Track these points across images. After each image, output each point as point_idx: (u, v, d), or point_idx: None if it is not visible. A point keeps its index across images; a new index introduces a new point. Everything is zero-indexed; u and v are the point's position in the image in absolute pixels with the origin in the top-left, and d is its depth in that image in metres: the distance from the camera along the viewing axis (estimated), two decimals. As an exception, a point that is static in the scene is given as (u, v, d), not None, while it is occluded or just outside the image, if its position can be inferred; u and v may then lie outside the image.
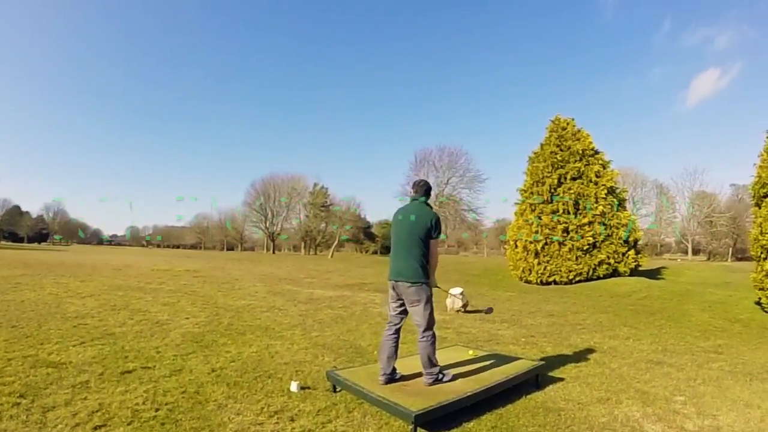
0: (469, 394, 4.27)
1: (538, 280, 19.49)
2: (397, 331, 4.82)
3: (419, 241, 4.64)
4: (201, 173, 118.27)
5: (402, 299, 4.73)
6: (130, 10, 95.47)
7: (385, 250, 74.76)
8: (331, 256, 53.64)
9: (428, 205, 4.95)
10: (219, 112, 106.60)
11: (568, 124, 21.04)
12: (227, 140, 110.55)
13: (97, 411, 3.87)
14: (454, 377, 4.74)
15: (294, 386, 4.66)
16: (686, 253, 63.23)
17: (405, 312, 4.82)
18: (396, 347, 4.79)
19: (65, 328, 7.01)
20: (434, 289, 4.84)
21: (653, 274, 22.20)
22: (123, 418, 3.77)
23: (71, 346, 5.97)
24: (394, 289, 4.77)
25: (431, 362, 4.58)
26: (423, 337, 4.59)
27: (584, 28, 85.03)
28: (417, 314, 4.61)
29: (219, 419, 3.85)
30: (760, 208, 11.65)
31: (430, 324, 4.60)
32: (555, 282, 19.15)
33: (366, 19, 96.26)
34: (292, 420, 3.90)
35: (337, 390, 4.71)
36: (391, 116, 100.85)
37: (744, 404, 4.81)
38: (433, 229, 4.69)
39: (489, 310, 6.13)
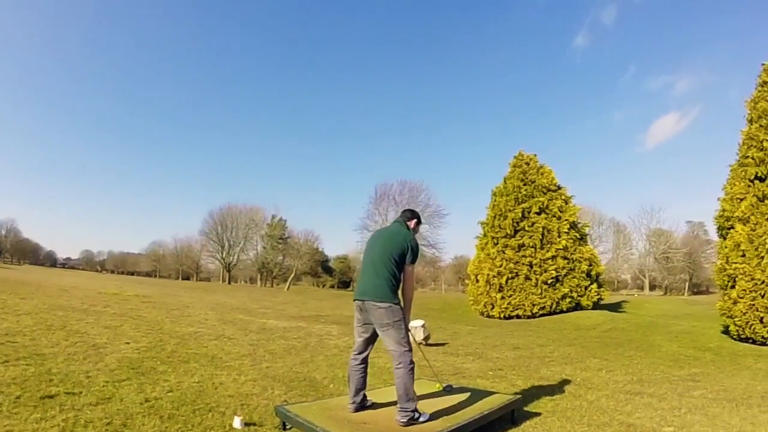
0: (439, 433, 3.70)
1: (501, 315, 19.13)
2: (365, 360, 4.31)
3: (391, 261, 4.15)
4: (158, 199, 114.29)
5: (368, 323, 4.21)
6: (101, 27, 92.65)
7: (343, 285, 73.84)
8: (288, 289, 52.29)
9: (409, 229, 4.53)
10: (180, 138, 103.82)
11: (531, 159, 21.23)
12: (186, 167, 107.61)
13: (2, 440, 3.19)
14: (431, 417, 4.08)
15: (237, 422, 3.97)
16: (642, 288, 64.63)
17: (373, 338, 4.30)
18: (364, 378, 4.30)
19: (-9, 345, 6.17)
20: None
21: (615, 307, 22.29)
22: None
23: (-7, 365, 5.19)
24: (360, 310, 4.24)
25: (407, 396, 3.94)
26: (399, 364, 4.00)
27: (553, 71, 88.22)
28: (389, 339, 4.06)
29: (142, 459, 3.16)
30: (725, 239, 11.70)
31: (405, 349, 4.03)
32: (518, 316, 18.83)
33: (327, 50, 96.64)
34: (233, 460, 3.25)
35: (287, 428, 4.05)
36: (352, 149, 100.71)
37: (737, 431, 4.45)
38: (408, 251, 4.22)
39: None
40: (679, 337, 11.86)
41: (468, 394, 5.06)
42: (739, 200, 11.47)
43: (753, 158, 11.36)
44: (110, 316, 10.27)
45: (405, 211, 4.69)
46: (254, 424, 4.08)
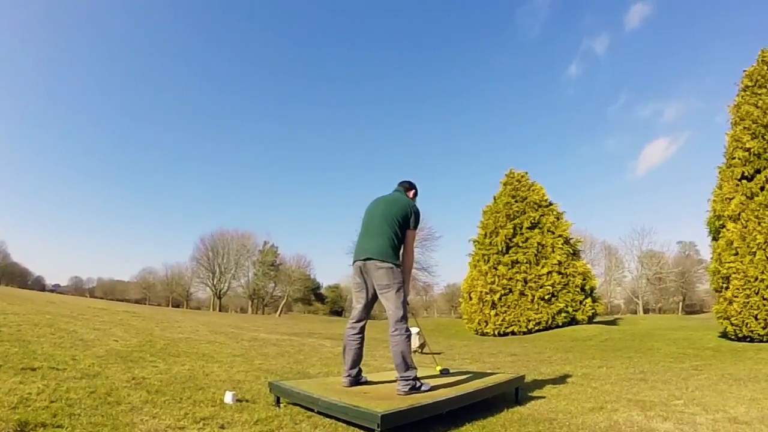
0: (444, 398, 3.57)
1: (495, 332, 18.88)
2: (362, 330, 4.11)
3: (395, 222, 4.04)
4: (149, 224, 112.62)
5: (368, 286, 4.04)
6: (85, 48, 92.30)
7: (335, 314, 72.87)
8: (279, 315, 51.63)
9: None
10: (171, 163, 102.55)
11: (522, 177, 21.28)
12: (177, 191, 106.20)
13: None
14: (433, 388, 3.92)
15: (229, 397, 3.78)
16: (635, 313, 64.34)
17: (371, 304, 4.12)
18: (361, 349, 4.09)
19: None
20: None
21: (610, 323, 22.11)
22: (6, 403, 2.98)
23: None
24: (360, 273, 4.06)
25: (406, 364, 3.77)
26: (395, 330, 3.82)
27: (547, 100, 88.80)
28: (389, 301, 3.90)
29: (128, 419, 3.00)
30: (717, 240, 11.74)
31: (404, 316, 3.88)
32: (513, 333, 18.60)
33: (317, 77, 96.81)
34: (222, 428, 3.07)
35: (281, 404, 3.87)
36: (343, 173, 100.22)
37: (749, 399, 4.38)
38: (411, 215, 4.12)
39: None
40: (677, 342, 11.72)
41: (469, 374, 4.92)
42: (728, 200, 11.57)
43: (739, 158, 11.53)
44: (99, 322, 9.97)
45: (403, 181, 4.57)
46: (246, 401, 3.89)
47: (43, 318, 8.93)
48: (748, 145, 11.37)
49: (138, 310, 20.97)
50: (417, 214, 4.19)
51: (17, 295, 19.60)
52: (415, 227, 4.17)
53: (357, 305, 4.13)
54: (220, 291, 68.85)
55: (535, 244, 19.28)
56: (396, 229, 4.02)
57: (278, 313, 55.32)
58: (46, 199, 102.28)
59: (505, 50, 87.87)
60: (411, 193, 4.51)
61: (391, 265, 3.90)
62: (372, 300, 4.10)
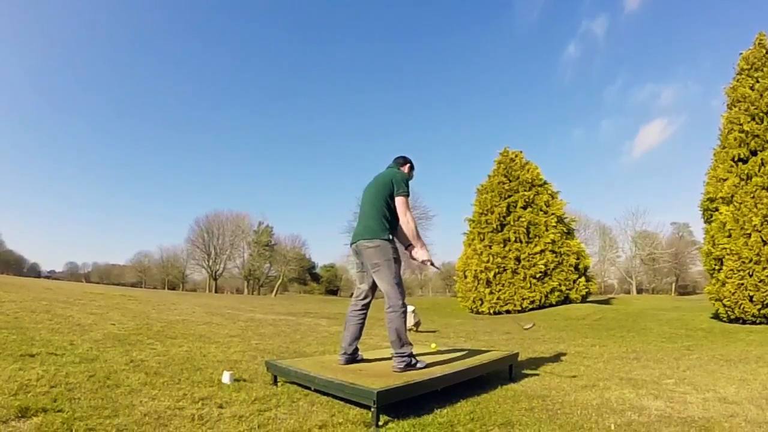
0: (439, 375, 3.61)
1: (491, 310, 19.03)
2: (365, 307, 4.14)
3: (381, 200, 4.03)
4: (143, 208, 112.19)
5: (366, 268, 4.08)
6: (79, 47, 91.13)
7: (330, 293, 73.14)
8: (275, 296, 51.81)
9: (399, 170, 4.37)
10: (164, 146, 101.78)
11: (516, 155, 21.20)
12: (171, 174, 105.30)
13: (-23, 382, 3.03)
14: (428, 365, 3.95)
15: (226, 377, 3.82)
16: (629, 293, 64.92)
17: (376, 285, 4.11)
18: (362, 326, 4.12)
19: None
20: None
21: (603, 302, 22.34)
22: (6, 390, 2.99)
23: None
24: (355, 254, 4.12)
25: (401, 341, 3.79)
26: (390, 307, 3.83)
27: (544, 82, 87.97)
28: (380, 280, 3.91)
29: (128, 401, 3.03)
30: (710, 223, 11.79)
31: (399, 292, 3.86)
32: (508, 311, 18.75)
33: (314, 52, 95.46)
34: (221, 407, 3.11)
35: (278, 382, 3.92)
36: (338, 152, 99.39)
37: (739, 380, 4.46)
38: (394, 184, 4.04)
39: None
40: (669, 322, 11.89)
41: (464, 350, 5.00)
42: (722, 181, 11.63)
43: (735, 139, 11.54)
44: (96, 307, 9.96)
45: (398, 157, 4.53)
46: (244, 380, 3.93)
47: (39, 304, 8.93)
48: (745, 127, 11.38)
49: (134, 293, 21.00)
50: (399, 180, 4.09)
51: (13, 282, 19.53)
52: (401, 192, 4.05)
53: (361, 285, 4.17)
54: (215, 272, 68.92)
55: (525, 223, 19.36)
56: (383, 207, 4.01)
57: (274, 293, 55.49)
58: (39, 187, 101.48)
59: (505, 32, 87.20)
60: (406, 168, 4.47)
61: (378, 242, 3.90)
62: (374, 281, 4.10)
